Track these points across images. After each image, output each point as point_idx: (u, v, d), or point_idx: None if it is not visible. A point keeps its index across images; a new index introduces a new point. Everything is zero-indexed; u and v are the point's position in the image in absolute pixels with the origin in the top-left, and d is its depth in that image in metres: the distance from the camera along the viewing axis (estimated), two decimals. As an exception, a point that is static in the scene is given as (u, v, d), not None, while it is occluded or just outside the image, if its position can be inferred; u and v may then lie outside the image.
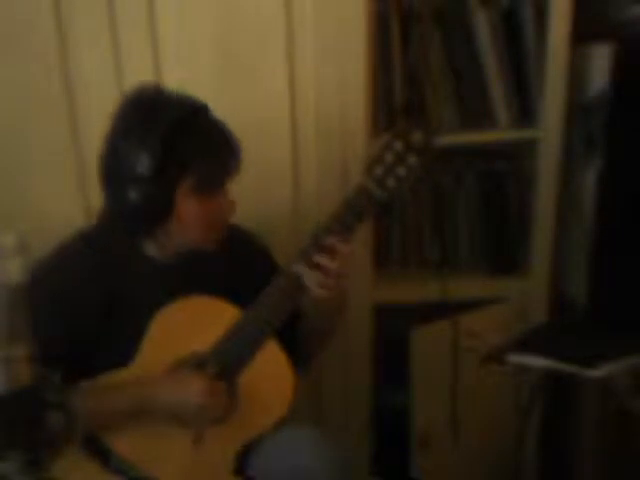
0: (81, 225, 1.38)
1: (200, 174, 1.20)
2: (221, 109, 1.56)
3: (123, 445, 1.25)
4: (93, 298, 1.26)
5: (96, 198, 1.32)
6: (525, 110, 1.67)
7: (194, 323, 1.27)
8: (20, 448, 0.88)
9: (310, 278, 1.22)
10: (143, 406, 1.23)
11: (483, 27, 1.61)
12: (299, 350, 1.35)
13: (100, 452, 1.25)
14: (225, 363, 1.26)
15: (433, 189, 1.74)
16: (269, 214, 1.62)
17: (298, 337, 1.37)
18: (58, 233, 1.32)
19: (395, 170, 1.21)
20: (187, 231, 1.25)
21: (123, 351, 1.25)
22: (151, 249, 1.30)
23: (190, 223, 1.24)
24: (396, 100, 1.65)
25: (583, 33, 1.60)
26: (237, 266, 1.36)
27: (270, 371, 1.27)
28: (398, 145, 1.21)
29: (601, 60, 1.62)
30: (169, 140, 1.16)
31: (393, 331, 1.79)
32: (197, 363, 1.26)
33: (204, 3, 1.52)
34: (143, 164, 1.16)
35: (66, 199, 1.59)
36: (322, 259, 1.21)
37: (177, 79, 1.55)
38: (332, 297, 1.24)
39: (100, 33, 1.52)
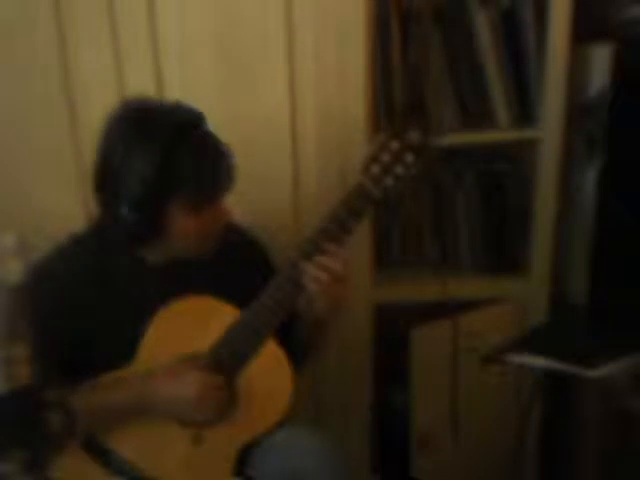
0: (81, 225, 1.38)
1: (195, 191, 1.18)
2: (221, 110, 1.57)
3: (123, 445, 1.26)
4: (90, 300, 1.26)
5: (96, 198, 1.31)
6: (525, 110, 1.66)
7: (193, 323, 1.27)
8: (20, 448, 0.88)
9: (307, 273, 1.22)
10: (142, 401, 1.23)
11: (483, 27, 1.61)
12: (296, 350, 1.35)
13: (100, 452, 1.26)
14: (224, 363, 1.26)
15: (433, 189, 1.75)
16: (269, 215, 1.62)
17: (295, 337, 1.37)
18: (58, 233, 1.32)
19: (392, 169, 1.21)
20: (182, 243, 1.25)
21: (122, 351, 1.25)
22: (145, 251, 1.30)
23: (185, 237, 1.24)
24: (396, 100, 1.65)
25: (583, 33, 1.60)
26: (236, 265, 1.36)
27: (270, 371, 1.27)
28: (394, 145, 1.21)
29: (601, 60, 1.62)
30: (163, 157, 1.15)
31: (393, 331, 1.79)
32: (197, 364, 1.26)
33: (204, 3, 1.52)
34: (134, 182, 1.15)
35: (66, 199, 1.59)
36: (320, 258, 1.21)
37: (177, 79, 1.55)
38: (327, 296, 1.24)
39: (100, 33, 1.52)
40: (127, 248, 1.29)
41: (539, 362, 1.44)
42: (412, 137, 1.20)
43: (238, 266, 1.36)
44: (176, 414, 1.26)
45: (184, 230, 1.22)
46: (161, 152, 1.14)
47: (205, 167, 1.19)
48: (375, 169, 1.22)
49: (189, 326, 1.27)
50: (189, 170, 1.17)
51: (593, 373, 1.35)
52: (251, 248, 1.43)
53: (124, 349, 1.25)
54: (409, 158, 1.21)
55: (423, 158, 1.21)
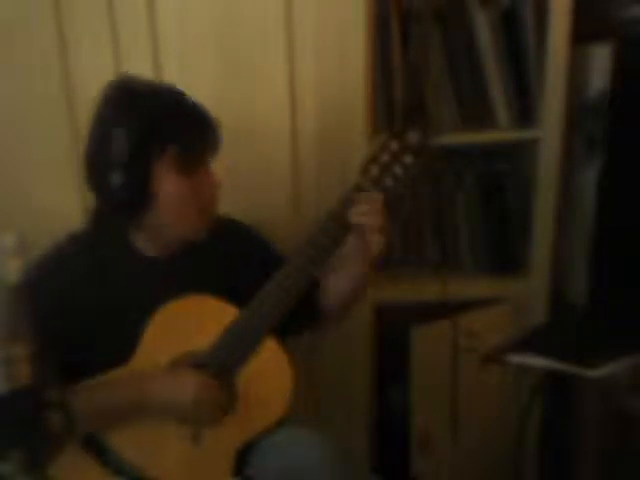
0: (81, 224, 1.38)
1: (177, 149, 1.19)
2: (222, 110, 1.56)
3: (123, 445, 1.26)
4: (89, 299, 1.26)
5: (96, 198, 1.31)
6: (525, 110, 1.67)
7: (193, 322, 1.27)
8: (20, 448, 0.88)
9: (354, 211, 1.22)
10: (140, 401, 1.23)
11: (483, 27, 1.61)
12: (320, 311, 1.40)
13: (100, 452, 1.26)
14: (223, 362, 1.26)
15: (433, 189, 1.75)
16: (268, 214, 1.62)
17: (319, 299, 1.40)
18: (58, 233, 1.32)
19: (391, 170, 1.22)
20: (171, 214, 1.23)
21: (122, 350, 1.25)
22: (142, 245, 1.30)
23: (172, 204, 1.22)
24: (396, 100, 1.65)
25: (583, 33, 1.60)
26: (235, 260, 1.36)
27: (270, 370, 1.27)
28: (394, 145, 1.21)
29: (601, 60, 1.62)
30: (143, 117, 1.17)
31: (393, 331, 1.79)
32: (196, 362, 1.27)
33: (204, 3, 1.52)
34: (119, 145, 1.16)
35: (66, 199, 1.59)
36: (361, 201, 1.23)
37: (177, 79, 1.54)
38: (367, 246, 1.25)
39: (100, 33, 1.52)
40: (124, 242, 1.29)
41: (539, 362, 1.43)
42: (411, 138, 1.21)
43: (237, 260, 1.36)
44: (174, 415, 1.26)
45: (173, 195, 1.20)
46: (144, 113, 1.17)
47: (188, 125, 1.20)
48: (374, 170, 1.22)
49: (188, 325, 1.27)
50: (171, 127, 1.18)
51: (593, 373, 1.35)
52: (252, 244, 1.43)
53: (124, 347, 1.25)
54: (408, 159, 1.21)
55: (422, 159, 1.21)
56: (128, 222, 1.28)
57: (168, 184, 1.20)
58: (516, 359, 1.47)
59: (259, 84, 1.57)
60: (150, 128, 1.17)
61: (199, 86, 1.55)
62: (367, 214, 1.21)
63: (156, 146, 1.18)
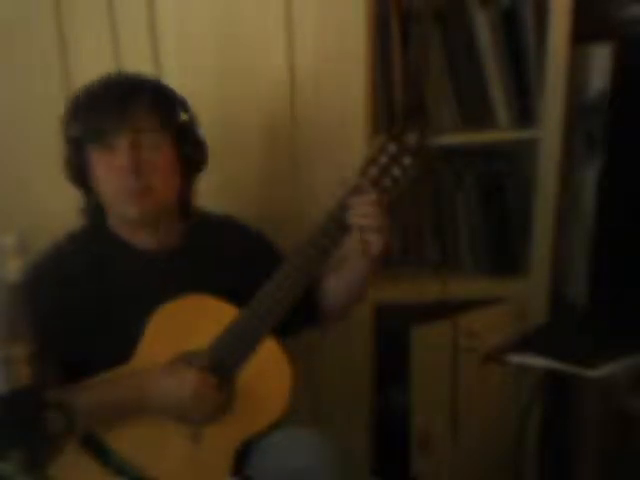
0: (79, 224, 1.38)
1: (90, 129, 1.23)
2: (222, 111, 1.57)
3: (122, 445, 1.26)
4: (89, 297, 1.26)
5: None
6: (525, 110, 1.67)
7: (192, 322, 1.27)
8: (20, 448, 0.88)
9: (353, 210, 1.23)
10: (139, 397, 1.24)
11: (483, 27, 1.61)
12: (320, 311, 1.41)
13: (100, 452, 1.26)
14: (223, 361, 1.27)
15: (433, 189, 1.75)
16: (268, 214, 1.62)
17: (320, 299, 1.41)
18: (57, 232, 1.32)
19: (390, 171, 1.22)
20: (101, 189, 1.26)
21: (122, 349, 1.26)
22: (130, 237, 1.30)
23: (98, 178, 1.25)
24: (396, 100, 1.65)
25: (583, 33, 1.60)
26: (235, 260, 1.36)
27: (269, 369, 1.27)
28: (392, 148, 1.21)
29: (601, 60, 1.62)
30: (70, 107, 1.27)
31: (393, 331, 1.79)
32: (195, 362, 1.27)
33: (204, 3, 1.52)
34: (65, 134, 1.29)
35: (66, 199, 1.59)
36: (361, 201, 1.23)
37: (177, 79, 1.55)
38: (366, 245, 1.25)
39: (100, 33, 1.52)
40: (117, 238, 1.30)
41: (539, 362, 1.44)
42: (410, 140, 1.21)
43: (239, 261, 1.36)
44: (172, 412, 1.26)
45: (96, 169, 1.25)
46: (71, 103, 1.27)
47: (94, 106, 1.23)
48: (373, 171, 1.22)
49: (187, 325, 1.27)
50: (82, 109, 1.25)
51: (593, 373, 1.35)
52: (253, 244, 1.43)
53: (124, 347, 1.26)
54: (407, 160, 1.22)
55: (421, 160, 1.22)
56: (98, 206, 1.30)
57: (92, 161, 1.24)
58: (516, 359, 1.47)
59: (259, 84, 1.57)
60: (72, 116, 1.27)
61: (199, 86, 1.55)
62: (366, 215, 1.22)
63: (80, 130, 1.24)
